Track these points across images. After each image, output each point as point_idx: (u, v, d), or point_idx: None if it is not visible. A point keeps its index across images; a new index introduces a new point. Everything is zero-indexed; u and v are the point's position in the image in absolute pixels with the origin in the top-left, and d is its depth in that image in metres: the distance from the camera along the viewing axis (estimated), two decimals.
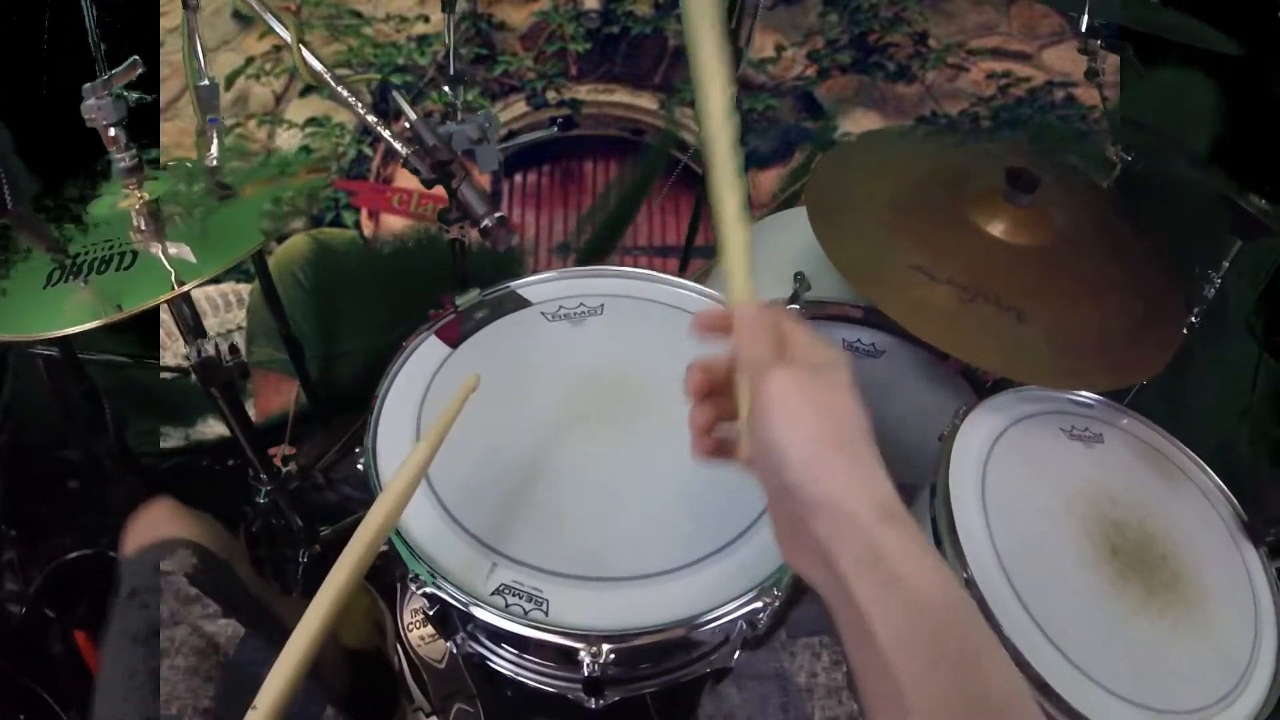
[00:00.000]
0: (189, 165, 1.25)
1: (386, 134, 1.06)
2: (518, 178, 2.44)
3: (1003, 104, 2.53)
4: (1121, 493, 1.20)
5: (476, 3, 2.50)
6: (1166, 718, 1.00)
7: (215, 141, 1.20)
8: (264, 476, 1.47)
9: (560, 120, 2.43)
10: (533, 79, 2.48)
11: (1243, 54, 1.34)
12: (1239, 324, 1.69)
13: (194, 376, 1.23)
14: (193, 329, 1.21)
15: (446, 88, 1.32)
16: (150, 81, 1.10)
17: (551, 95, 2.49)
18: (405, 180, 2.35)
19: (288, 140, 2.34)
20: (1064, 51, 2.55)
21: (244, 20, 2.37)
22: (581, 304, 1.24)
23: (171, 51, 2.24)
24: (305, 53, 1.06)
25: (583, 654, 0.88)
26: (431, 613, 0.96)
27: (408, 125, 1.09)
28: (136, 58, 1.08)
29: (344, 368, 2.12)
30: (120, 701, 0.94)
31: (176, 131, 2.23)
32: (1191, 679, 1.05)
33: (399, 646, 1.47)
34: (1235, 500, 1.25)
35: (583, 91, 2.50)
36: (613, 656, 0.88)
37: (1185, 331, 1.35)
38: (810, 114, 2.53)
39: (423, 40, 2.44)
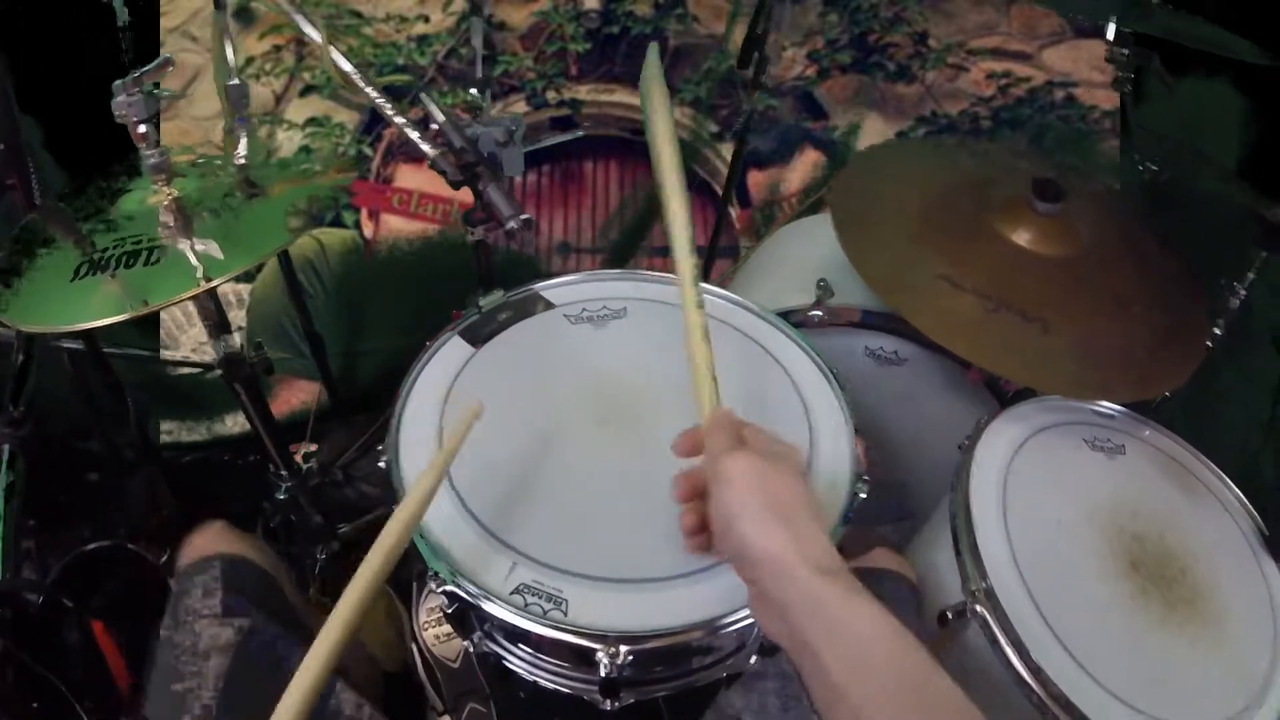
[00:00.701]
0: (217, 163, 1.26)
1: (415, 135, 1.07)
2: (516, 178, 2.44)
3: (1003, 104, 2.51)
4: (1142, 505, 1.19)
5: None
6: None
7: (244, 140, 1.21)
8: (285, 473, 1.47)
9: (586, 123, 2.43)
10: (533, 79, 2.46)
11: (1272, 65, 1.32)
12: (1263, 337, 1.68)
13: (219, 371, 1.24)
14: (218, 324, 1.22)
15: (474, 90, 1.32)
16: None
17: (551, 95, 2.47)
18: (405, 180, 2.35)
19: (287, 140, 2.34)
20: (1064, 51, 2.53)
21: (244, 20, 2.35)
22: (604, 307, 1.24)
23: (171, 51, 2.26)
24: (335, 54, 1.06)
25: (600, 655, 0.88)
26: (449, 611, 0.96)
27: (435, 127, 1.10)
28: (169, 56, 1.09)
29: (360, 367, 2.14)
30: (172, 710, 0.95)
31: (177, 132, 2.24)
32: (1208, 694, 1.05)
33: (413, 644, 1.47)
34: (1257, 514, 1.24)
35: (583, 91, 2.48)
36: (630, 658, 0.88)
37: (1209, 344, 1.35)
38: (810, 114, 2.52)
39: (422, 40, 2.42)
